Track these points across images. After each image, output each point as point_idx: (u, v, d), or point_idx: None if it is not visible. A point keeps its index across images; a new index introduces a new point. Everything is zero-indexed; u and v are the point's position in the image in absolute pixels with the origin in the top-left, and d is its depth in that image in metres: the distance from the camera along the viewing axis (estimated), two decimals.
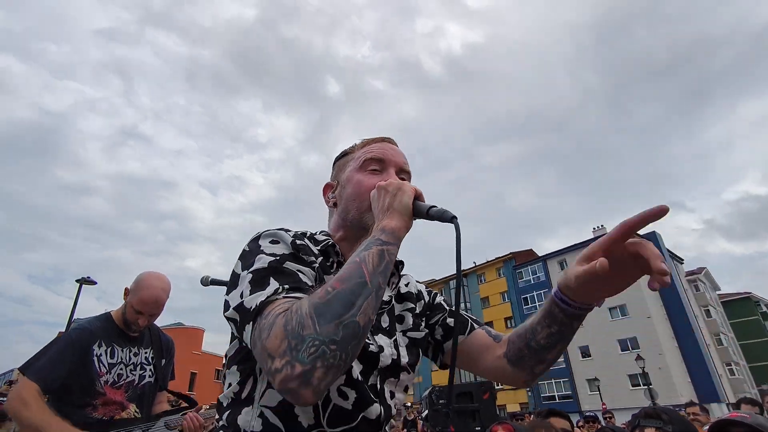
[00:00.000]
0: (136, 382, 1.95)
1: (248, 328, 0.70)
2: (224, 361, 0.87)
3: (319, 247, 0.91)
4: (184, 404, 2.10)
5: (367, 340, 0.83)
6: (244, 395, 0.78)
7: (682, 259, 41.96)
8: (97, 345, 1.86)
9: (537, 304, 39.28)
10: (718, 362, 35.11)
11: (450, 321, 1.02)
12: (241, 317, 0.72)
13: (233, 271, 0.82)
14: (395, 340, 0.91)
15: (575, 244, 38.98)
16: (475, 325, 1.03)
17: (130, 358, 1.96)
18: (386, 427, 0.85)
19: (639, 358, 21.55)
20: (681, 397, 29.99)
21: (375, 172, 0.97)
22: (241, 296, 0.74)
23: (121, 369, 1.91)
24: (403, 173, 0.99)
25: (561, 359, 34.64)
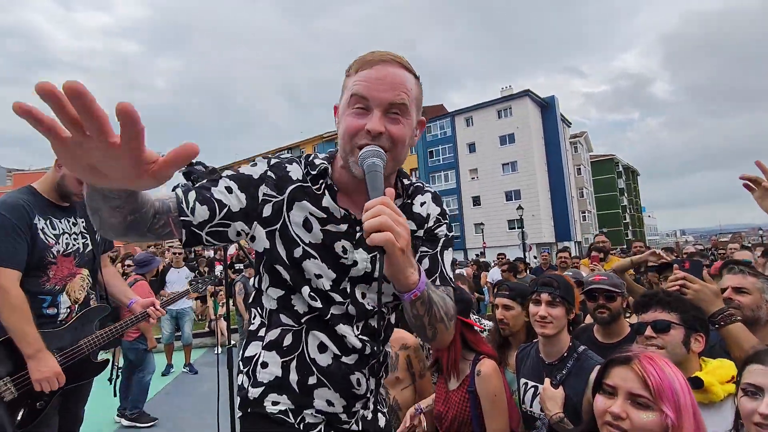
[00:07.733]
0: (81, 249, 2.03)
1: None
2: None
3: (315, 171, 0.99)
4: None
5: (343, 254, 0.97)
6: (258, 285, 1.08)
7: (570, 123, 46.45)
8: (36, 219, 1.86)
9: (441, 158, 41.95)
10: (576, 210, 42.59)
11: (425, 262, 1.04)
12: None
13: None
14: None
15: (482, 103, 40.50)
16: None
17: (70, 228, 2.00)
18: (369, 320, 1.01)
19: (520, 207, 25.29)
20: (544, 237, 36.58)
21: (360, 111, 0.90)
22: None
23: (66, 238, 1.96)
24: (395, 108, 0.89)
25: (456, 207, 38.65)
